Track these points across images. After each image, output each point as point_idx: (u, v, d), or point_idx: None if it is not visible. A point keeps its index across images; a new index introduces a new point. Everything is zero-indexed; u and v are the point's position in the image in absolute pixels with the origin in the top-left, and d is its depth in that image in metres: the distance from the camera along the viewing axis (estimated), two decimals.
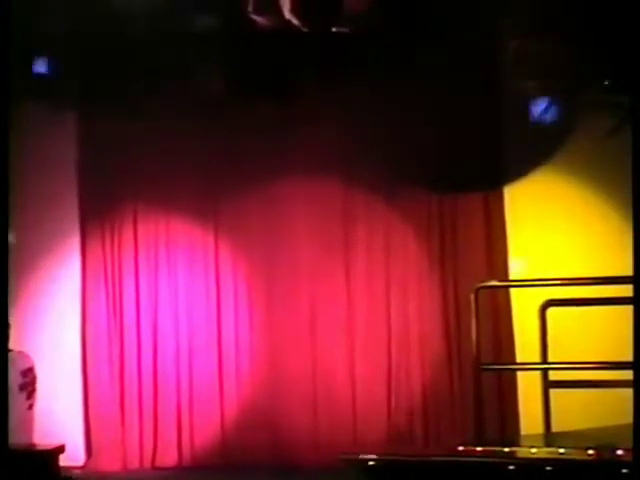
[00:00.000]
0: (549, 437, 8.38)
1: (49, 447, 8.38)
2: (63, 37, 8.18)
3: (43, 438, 8.76)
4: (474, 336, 8.39)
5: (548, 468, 6.21)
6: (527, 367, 8.80)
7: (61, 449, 8.40)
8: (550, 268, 8.72)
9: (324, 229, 9.11)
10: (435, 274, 8.99)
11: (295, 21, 7.37)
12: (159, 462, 9.12)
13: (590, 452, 6.25)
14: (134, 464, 9.10)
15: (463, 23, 7.91)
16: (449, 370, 8.90)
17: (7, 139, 5.52)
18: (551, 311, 8.74)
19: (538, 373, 8.75)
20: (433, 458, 6.74)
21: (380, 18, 7.50)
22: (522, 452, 6.86)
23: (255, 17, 7.50)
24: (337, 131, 8.97)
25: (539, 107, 8.48)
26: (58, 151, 9.38)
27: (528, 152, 8.92)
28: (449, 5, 7.67)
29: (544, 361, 8.73)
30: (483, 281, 8.60)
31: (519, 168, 8.97)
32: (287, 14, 7.33)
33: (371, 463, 6.53)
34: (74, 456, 8.82)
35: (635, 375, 5.57)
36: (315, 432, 8.91)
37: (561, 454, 6.45)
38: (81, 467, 9.02)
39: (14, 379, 8.39)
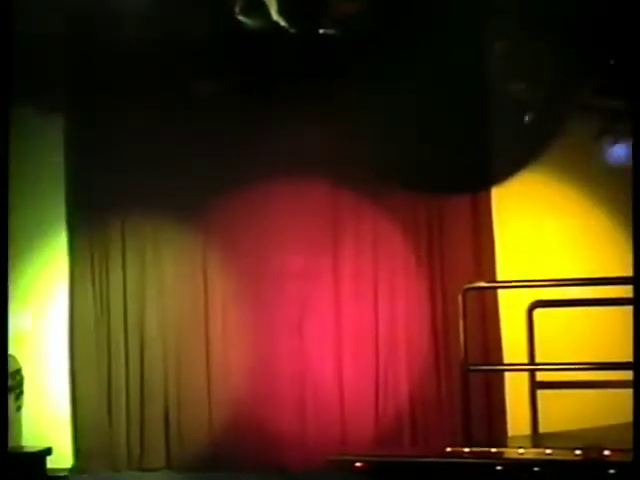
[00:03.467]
0: (536, 438, 8.40)
1: (37, 449, 8.40)
2: (52, 40, 8.17)
3: (31, 440, 8.76)
4: (462, 337, 8.41)
5: (536, 469, 6.25)
6: (514, 368, 8.81)
7: (48, 451, 8.42)
8: (537, 269, 8.74)
9: (312, 231, 9.10)
10: (423, 275, 8.99)
11: (282, 22, 7.38)
12: (146, 464, 9.09)
13: (577, 452, 6.29)
14: (121, 466, 9.06)
15: (451, 25, 7.93)
16: (437, 371, 8.89)
17: (7, 142, 5.50)
18: (538, 312, 8.75)
19: (525, 374, 8.77)
20: (421, 459, 6.77)
21: (367, 20, 7.52)
22: (510, 453, 6.90)
23: (242, 18, 7.50)
24: (324, 132, 8.95)
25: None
26: (45, 152, 9.35)
27: (516, 153, 8.93)
28: (437, 7, 7.69)
29: (531, 362, 8.75)
30: (471, 282, 8.61)
31: (507, 169, 8.98)
32: (274, 15, 7.34)
33: (358, 465, 6.55)
34: (61, 458, 8.82)
35: (635, 375, 5.58)
36: (303, 434, 8.89)
37: (548, 455, 6.50)
38: (68, 469, 8.99)
39: None
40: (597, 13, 7.40)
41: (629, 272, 5.70)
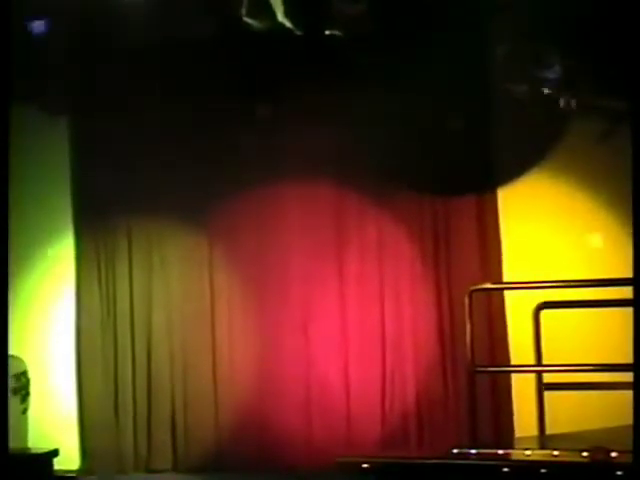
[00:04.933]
0: (543, 439, 8.39)
1: (43, 451, 8.40)
2: (55, 40, 8.18)
3: (37, 442, 8.76)
4: (468, 339, 8.39)
5: (542, 470, 6.25)
6: (521, 369, 8.80)
7: (55, 453, 8.42)
8: (544, 270, 8.72)
9: (317, 232, 9.09)
10: (429, 277, 8.98)
11: (288, 24, 7.39)
12: (153, 465, 9.10)
13: (584, 454, 6.28)
14: (128, 467, 9.07)
15: (455, 27, 7.93)
16: (443, 372, 8.88)
17: (7, 142, 5.51)
18: (545, 313, 8.74)
19: (532, 375, 8.75)
20: (427, 461, 6.77)
21: (373, 22, 7.52)
22: (516, 454, 6.89)
23: (248, 20, 7.51)
24: (329, 133, 8.95)
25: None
26: (51, 152, 9.37)
27: (521, 154, 8.92)
28: (441, 8, 7.69)
29: (538, 363, 8.73)
30: (477, 284, 8.59)
31: (512, 170, 8.96)
32: (280, 17, 7.35)
33: (365, 466, 6.56)
34: (68, 460, 8.82)
35: (635, 377, 5.57)
36: (309, 435, 8.89)
37: (555, 456, 6.49)
38: (75, 471, 9.00)
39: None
40: (599, 13, 7.40)
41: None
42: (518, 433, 8.64)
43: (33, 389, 8.96)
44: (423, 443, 8.75)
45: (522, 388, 8.75)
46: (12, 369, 8.56)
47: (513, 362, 8.82)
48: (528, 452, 6.67)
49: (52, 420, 9.08)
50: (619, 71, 7.35)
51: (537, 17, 7.61)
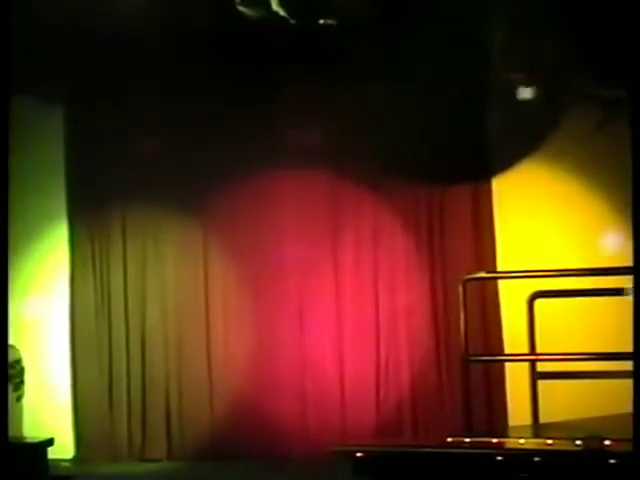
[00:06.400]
0: (537, 428, 8.40)
1: (38, 440, 8.40)
2: (52, 30, 8.17)
3: (32, 431, 8.77)
4: (462, 328, 8.40)
5: (536, 459, 6.24)
6: (515, 358, 8.81)
7: (50, 442, 8.42)
8: (538, 259, 8.73)
9: (312, 222, 9.10)
10: (423, 266, 8.98)
11: (282, 13, 7.39)
12: (148, 454, 9.12)
13: (578, 443, 6.28)
14: (123, 456, 9.09)
15: (450, 15, 7.93)
16: (437, 362, 8.89)
17: (7, 138, 5.50)
18: (539, 302, 8.75)
19: (526, 364, 8.76)
20: (422, 449, 6.77)
21: (367, 11, 7.52)
22: (510, 443, 6.90)
23: (243, 9, 7.50)
24: (324, 124, 8.96)
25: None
26: (46, 141, 9.36)
27: (516, 144, 8.92)
28: None
29: (532, 352, 8.75)
30: (471, 273, 8.60)
31: (507, 160, 8.97)
32: (274, 6, 7.35)
33: (360, 455, 6.56)
34: (62, 448, 8.82)
35: (635, 366, 5.58)
36: (304, 424, 8.91)
37: (549, 445, 6.49)
38: (70, 459, 9.01)
39: None
40: (597, 1, 7.40)
41: (629, 262, 5.69)
42: (512, 422, 8.66)
43: (28, 378, 8.96)
44: (417, 432, 8.78)
45: (516, 377, 8.77)
46: None
47: (507, 351, 8.84)
48: (522, 440, 6.68)
49: (47, 409, 9.08)
50: (617, 58, 7.35)
51: (534, 3, 7.61)
